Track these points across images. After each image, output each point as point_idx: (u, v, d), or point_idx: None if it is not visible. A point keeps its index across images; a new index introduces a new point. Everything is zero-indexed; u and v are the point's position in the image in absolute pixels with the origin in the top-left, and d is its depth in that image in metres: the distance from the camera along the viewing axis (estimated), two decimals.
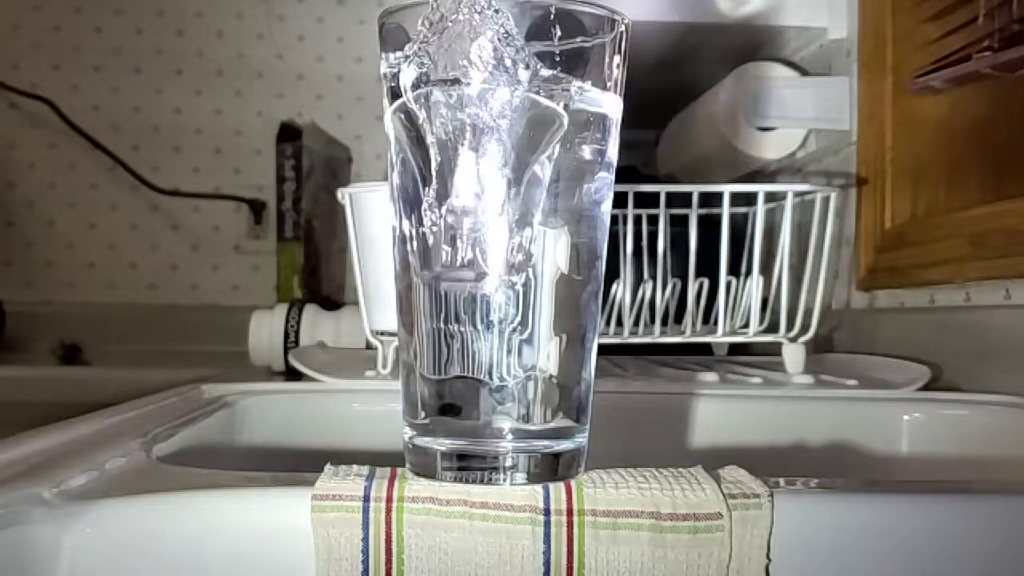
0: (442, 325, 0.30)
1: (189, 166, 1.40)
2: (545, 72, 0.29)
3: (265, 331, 0.85)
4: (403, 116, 0.30)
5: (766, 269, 0.71)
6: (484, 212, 0.29)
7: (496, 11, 0.28)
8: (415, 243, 0.30)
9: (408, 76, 0.30)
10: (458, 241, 0.29)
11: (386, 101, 0.32)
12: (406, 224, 0.31)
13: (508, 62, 0.29)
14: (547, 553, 0.28)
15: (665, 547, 0.29)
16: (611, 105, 0.32)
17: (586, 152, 0.31)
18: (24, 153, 1.38)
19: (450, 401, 0.31)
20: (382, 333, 0.68)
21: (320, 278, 1.28)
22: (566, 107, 0.30)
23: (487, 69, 0.29)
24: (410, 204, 0.31)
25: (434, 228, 0.30)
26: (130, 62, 1.39)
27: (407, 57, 0.30)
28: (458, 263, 0.29)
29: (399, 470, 0.31)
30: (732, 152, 0.98)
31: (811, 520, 0.30)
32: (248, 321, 0.85)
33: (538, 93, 0.29)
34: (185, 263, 1.40)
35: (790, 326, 0.70)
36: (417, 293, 0.31)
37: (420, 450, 0.31)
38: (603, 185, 0.31)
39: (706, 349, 0.88)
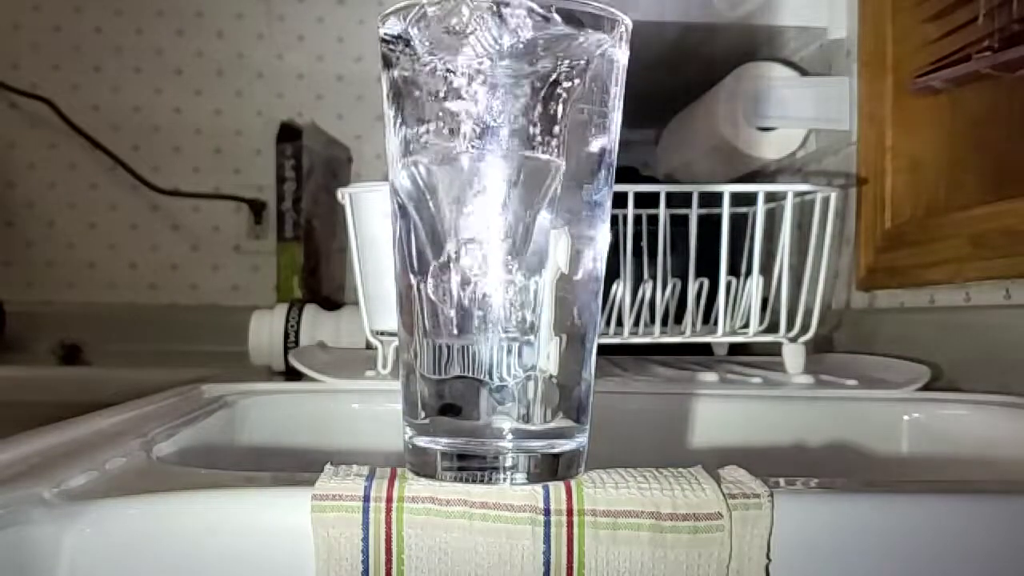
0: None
1: (189, 166, 1.40)
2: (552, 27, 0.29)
3: (265, 331, 0.85)
4: (408, 172, 0.30)
5: (766, 269, 0.71)
6: (490, 269, 0.29)
7: None
8: (424, 305, 0.30)
9: (418, 31, 0.30)
10: (465, 301, 0.30)
11: (384, 85, 0.31)
12: (412, 279, 0.31)
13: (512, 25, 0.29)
14: (547, 553, 0.28)
15: (665, 547, 0.29)
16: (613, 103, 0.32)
17: (587, 150, 0.31)
18: (24, 153, 1.38)
19: (450, 401, 0.31)
20: (382, 333, 0.68)
21: (320, 278, 1.28)
22: (586, 64, 0.30)
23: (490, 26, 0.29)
24: (414, 266, 0.31)
25: (441, 293, 0.30)
26: (130, 62, 1.39)
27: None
28: (466, 326, 0.30)
29: (399, 470, 0.31)
30: (732, 152, 0.98)
31: (811, 520, 0.30)
32: (248, 321, 0.85)
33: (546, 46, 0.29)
34: (185, 263, 1.40)
35: (790, 326, 0.70)
36: (417, 294, 0.31)
37: (420, 450, 0.31)
38: (603, 185, 0.31)
39: (706, 349, 0.88)
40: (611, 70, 0.31)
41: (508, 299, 0.30)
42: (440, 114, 0.30)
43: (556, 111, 0.30)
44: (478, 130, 0.29)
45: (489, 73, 0.29)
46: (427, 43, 0.29)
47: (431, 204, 0.30)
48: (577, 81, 0.30)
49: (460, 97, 0.29)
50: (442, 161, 0.30)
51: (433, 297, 0.30)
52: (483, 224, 0.29)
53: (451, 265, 0.30)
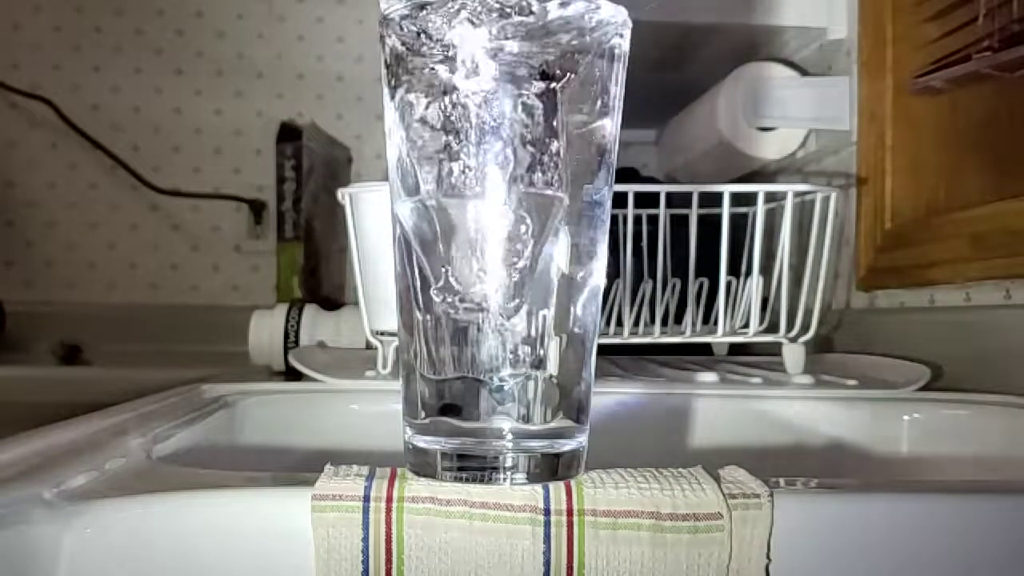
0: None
1: (189, 166, 1.40)
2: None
3: (265, 331, 0.85)
4: (411, 206, 0.30)
5: (766, 269, 0.71)
6: (496, 304, 0.29)
7: None
8: (427, 334, 0.30)
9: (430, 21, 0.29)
10: (466, 343, 0.30)
11: (384, 72, 0.31)
12: (417, 313, 0.31)
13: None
14: (547, 553, 0.28)
15: (665, 547, 0.29)
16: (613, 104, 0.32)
17: (587, 150, 0.31)
18: (24, 153, 1.38)
19: (450, 401, 0.31)
20: (382, 333, 0.68)
21: (320, 278, 1.28)
22: (586, 61, 0.30)
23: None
24: (418, 300, 0.31)
25: (446, 322, 0.30)
26: (130, 62, 1.39)
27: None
28: (472, 361, 0.30)
29: (399, 470, 0.31)
30: (732, 152, 0.98)
31: (811, 520, 0.30)
32: (248, 321, 0.85)
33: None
34: (185, 263, 1.40)
35: (790, 326, 0.70)
36: (417, 295, 0.31)
37: (420, 450, 0.31)
38: (603, 185, 0.31)
39: (706, 349, 0.88)
40: (611, 68, 0.31)
41: (514, 338, 0.30)
42: (440, 103, 0.29)
43: (556, 111, 0.30)
44: (481, 123, 0.29)
45: (492, 65, 0.29)
46: (429, 32, 0.29)
47: (432, 243, 0.30)
48: (576, 79, 0.30)
49: (461, 86, 0.29)
50: (445, 193, 0.29)
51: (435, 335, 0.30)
52: (486, 263, 0.29)
53: (454, 300, 0.30)
